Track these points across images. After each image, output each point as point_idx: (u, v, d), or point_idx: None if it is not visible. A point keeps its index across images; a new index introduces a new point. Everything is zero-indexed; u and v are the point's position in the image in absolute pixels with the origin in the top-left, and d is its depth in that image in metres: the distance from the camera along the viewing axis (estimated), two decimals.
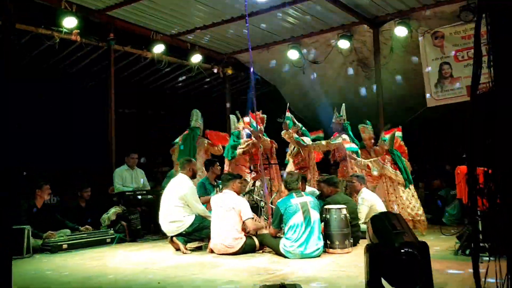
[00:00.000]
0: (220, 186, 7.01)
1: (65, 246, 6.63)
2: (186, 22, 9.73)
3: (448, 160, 10.00)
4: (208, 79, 12.59)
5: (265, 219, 6.88)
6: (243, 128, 8.11)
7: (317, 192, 7.13)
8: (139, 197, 8.18)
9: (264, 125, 7.99)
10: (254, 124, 7.47)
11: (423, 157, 11.34)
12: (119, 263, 5.74)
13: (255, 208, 7.01)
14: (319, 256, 5.53)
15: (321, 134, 8.30)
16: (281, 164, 8.64)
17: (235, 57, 11.86)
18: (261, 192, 7.42)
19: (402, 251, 3.34)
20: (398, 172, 7.37)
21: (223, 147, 8.43)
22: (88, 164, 10.41)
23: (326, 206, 6.00)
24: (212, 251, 6.02)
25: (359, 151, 8.04)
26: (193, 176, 6.75)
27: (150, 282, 4.59)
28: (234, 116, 8.44)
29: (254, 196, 7.34)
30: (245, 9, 7.20)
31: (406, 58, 10.09)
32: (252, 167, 8.03)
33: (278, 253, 5.68)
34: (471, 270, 2.54)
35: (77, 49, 9.67)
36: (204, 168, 7.90)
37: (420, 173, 10.71)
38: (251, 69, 7.18)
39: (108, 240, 7.20)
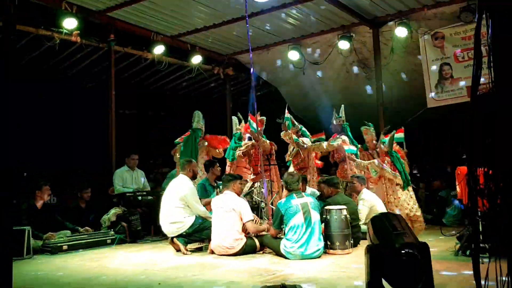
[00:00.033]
0: (220, 187, 7.02)
1: (65, 247, 6.63)
2: (187, 23, 9.73)
3: (448, 160, 10.01)
4: (209, 80, 12.60)
5: (265, 219, 6.88)
6: (244, 133, 8.11)
7: (318, 193, 7.14)
8: (139, 198, 8.18)
9: (264, 127, 7.98)
10: (254, 125, 7.48)
11: (423, 158, 11.34)
12: (119, 264, 5.73)
13: (255, 209, 7.00)
14: (319, 257, 5.53)
15: (322, 137, 8.29)
16: (283, 166, 8.64)
17: (235, 58, 11.86)
18: (261, 193, 7.41)
19: (403, 252, 3.34)
20: (397, 173, 7.39)
21: (224, 151, 8.43)
22: (88, 164, 10.42)
23: (327, 207, 6.00)
24: (212, 252, 6.02)
25: (363, 153, 8.03)
26: (193, 177, 6.75)
27: (151, 283, 4.59)
28: (236, 117, 8.44)
29: (254, 197, 7.33)
30: (245, 10, 7.20)
31: (406, 58, 10.10)
32: (251, 169, 8.03)
33: (278, 254, 5.67)
34: (471, 271, 2.53)
35: (78, 50, 9.68)
36: (204, 169, 7.91)
37: (420, 173, 10.72)
38: (252, 70, 7.18)
39: (109, 241, 7.20)
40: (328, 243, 5.77)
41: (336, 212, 5.85)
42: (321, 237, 5.66)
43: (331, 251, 5.75)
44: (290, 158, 8.18)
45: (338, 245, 5.74)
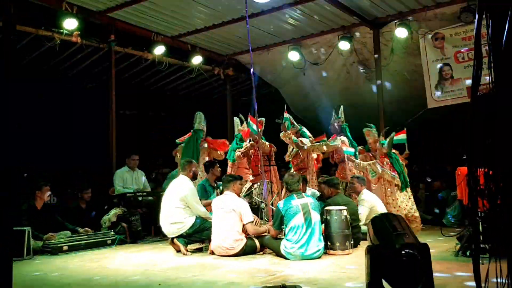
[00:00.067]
0: (220, 187, 7.02)
1: (65, 247, 6.62)
2: (187, 23, 9.74)
3: (448, 161, 10.00)
4: (209, 81, 12.60)
5: (265, 220, 6.88)
6: (246, 138, 8.10)
7: (318, 194, 7.14)
8: (140, 198, 8.18)
9: (263, 128, 7.98)
10: (254, 127, 7.47)
11: (423, 158, 11.34)
12: (119, 264, 5.73)
13: (256, 210, 7.00)
14: (319, 257, 5.53)
15: (324, 139, 8.29)
16: (283, 166, 8.64)
17: (235, 59, 11.87)
18: (261, 194, 7.41)
19: (403, 252, 3.34)
20: (396, 175, 7.41)
21: (225, 153, 8.44)
22: (88, 165, 10.43)
23: (327, 208, 6.00)
24: (212, 253, 6.02)
25: (365, 154, 8.03)
26: (193, 178, 6.75)
27: (151, 283, 4.59)
28: (237, 118, 8.44)
29: (254, 198, 7.33)
30: (246, 10, 7.20)
31: (407, 59, 10.10)
32: (251, 170, 8.04)
33: (278, 254, 5.67)
34: (471, 272, 2.53)
35: (78, 50, 9.68)
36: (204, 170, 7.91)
37: (420, 174, 10.72)
38: (252, 71, 7.17)
39: (109, 242, 7.19)
40: (328, 243, 5.77)
41: (336, 213, 5.85)
42: (322, 238, 5.65)
43: (331, 251, 5.75)
44: (290, 159, 8.18)
45: (338, 245, 5.74)
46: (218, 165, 7.80)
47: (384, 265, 3.41)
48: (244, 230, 5.99)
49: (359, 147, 8.17)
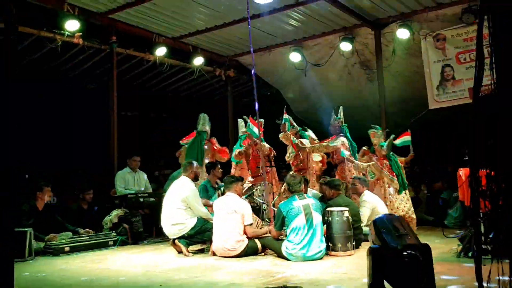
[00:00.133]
0: (222, 188, 7.02)
1: (67, 248, 6.63)
2: (188, 24, 9.75)
3: (450, 162, 9.99)
4: (210, 82, 12.61)
5: (267, 221, 6.88)
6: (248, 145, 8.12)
7: (320, 195, 7.13)
8: (141, 199, 8.19)
9: (263, 129, 7.97)
10: (255, 130, 7.47)
11: (424, 159, 11.33)
12: (121, 265, 5.73)
13: (257, 211, 7.01)
14: (321, 258, 5.52)
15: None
16: (284, 167, 8.64)
17: (237, 60, 11.88)
18: (263, 194, 7.41)
19: (405, 253, 3.34)
20: (394, 177, 7.42)
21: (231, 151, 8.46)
22: (88, 165, 10.44)
23: (328, 209, 5.99)
24: (214, 254, 6.02)
25: (370, 155, 8.02)
26: (195, 179, 6.75)
27: (152, 284, 4.59)
28: (241, 120, 8.44)
29: (256, 198, 7.34)
30: (247, 11, 7.20)
31: (408, 60, 10.10)
32: (249, 171, 8.05)
33: (280, 255, 5.66)
34: (473, 273, 2.53)
35: (80, 51, 9.69)
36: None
37: (422, 175, 10.71)
38: (253, 72, 7.16)
39: (110, 243, 7.20)
40: (330, 244, 5.76)
41: (338, 214, 5.85)
42: (323, 239, 5.65)
43: (332, 252, 5.74)
44: (289, 160, 8.15)
45: (340, 246, 5.74)
46: (219, 166, 7.80)
47: (386, 266, 3.41)
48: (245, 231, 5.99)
49: (364, 148, 8.15)
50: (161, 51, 10.04)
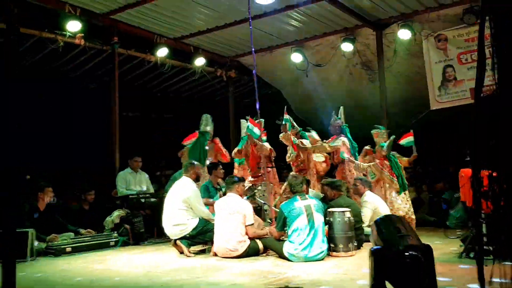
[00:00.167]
0: (223, 189, 7.02)
1: (68, 249, 6.64)
2: (190, 25, 9.75)
3: (451, 162, 9.98)
4: (212, 83, 12.61)
5: (268, 222, 6.87)
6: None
7: (321, 195, 7.12)
8: (143, 200, 8.20)
9: (263, 129, 7.96)
10: (255, 130, 7.47)
11: (426, 160, 11.31)
12: (122, 266, 5.74)
13: (258, 211, 7.00)
14: (323, 259, 5.52)
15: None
16: (285, 168, 8.63)
17: (238, 60, 11.88)
18: (264, 195, 7.41)
19: (407, 254, 3.33)
20: (394, 178, 7.42)
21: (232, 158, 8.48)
22: (88, 165, 10.44)
23: (330, 209, 5.99)
24: (215, 254, 6.02)
25: (373, 156, 8.01)
26: (196, 179, 6.75)
27: (154, 285, 4.59)
28: (244, 120, 8.44)
29: (257, 199, 7.34)
30: (249, 12, 7.20)
31: (410, 61, 10.09)
32: (249, 171, 8.06)
33: (281, 256, 5.66)
34: (475, 274, 2.52)
35: (81, 52, 9.70)
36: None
37: (423, 176, 10.69)
38: (254, 72, 7.17)
39: (112, 243, 7.21)
40: (332, 245, 5.76)
41: (340, 215, 5.84)
42: (325, 239, 5.64)
43: (334, 253, 5.74)
44: (290, 160, 8.13)
45: (342, 247, 5.73)
46: (221, 167, 7.80)
47: (387, 267, 3.40)
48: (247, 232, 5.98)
49: (366, 147, 8.15)
50: (162, 52, 10.05)
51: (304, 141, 7.95)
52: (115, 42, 9.31)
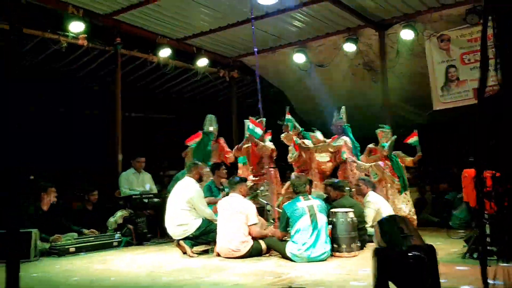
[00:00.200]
0: (226, 190, 7.03)
1: (72, 249, 6.66)
2: (192, 26, 9.76)
3: (454, 163, 9.97)
4: (214, 83, 12.61)
5: (271, 222, 6.87)
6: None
7: (324, 195, 7.13)
8: (146, 200, 8.21)
9: (265, 128, 7.97)
10: (256, 130, 7.47)
11: (427, 160, 11.30)
12: (125, 266, 5.75)
13: (261, 212, 7.01)
14: (326, 259, 5.52)
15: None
16: (288, 168, 8.63)
17: (241, 61, 11.88)
18: (267, 195, 7.41)
19: (410, 254, 3.33)
20: (395, 178, 7.42)
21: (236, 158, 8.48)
22: (89, 165, 10.45)
23: (333, 210, 5.99)
24: (218, 255, 6.02)
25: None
26: (199, 180, 6.76)
27: (157, 285, 4.60)
28: (248, 121, 8.44)
29: (260, 199, 7.34)
30: (251, 12, 7.21)
31: (412, 61, 10.07)
32: (250, 170, 8.07)
33: (284, 256, 5.66)
34: (479, 274, 2.52)
35: (84, 53, 9.72)
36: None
37: (427, 176, 10.67)
38: (257, 73, 7.18)
39: (115, 244, 7.22)
40: (335, 245, 5.75)
41: (343, 215, 5.84)
42: (328, 240, 5.64)
43: (337, 253, 5.73)
44: (292, 161, 8.13)
45: (345, 247, 5.73)
46: (223, 167, 7.81)
47: (390, 267, 3.40)
48: (250, 232, 5.98)
49: (370, 145, 8.14)
50: (165, 53, 10.06)
51: (306, 141, 7.96)
52: (117, 42, 9.32)
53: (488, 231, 3.92)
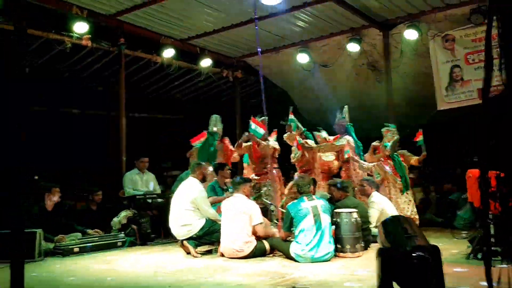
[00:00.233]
0: (229, 190, 7.03)
1: (76, 249, 6.67)
2: (196, 26, 9.76)
3: (458, 163, 9.93)
4: (218, 83, 12.61)
5: (275, 222, 6.87)
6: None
7: (328, 196, 7.12)
8: (150, 200, 8.22)
9: (267, 127, 7.97)
10: (258, 130, 7.47)
11: (431, 161, 11.27)
12: (129, 266, 5.76)
13: (265, 212, 7.00)
14: (329, 260, 5.52)
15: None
16: (292, 168, 8.63)
17: (244, 61, 11.87)
18: (270, 195, 7.41)
19: (414, 255, 3.32)
20: (397, 178, 7.41)
21: (241, 156, 8.47)
22: (89, 165, 10.47)
23: (337, 210, 5.98)
24: (222, 255, 6.03)
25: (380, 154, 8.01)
26: (203, 180, 6.76)
27: (160, 285, 4.61)
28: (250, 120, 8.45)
29: (263, 200, 7.34)
30: (255, 12, 7.20)
31: (417, 61, 10.04)
32: (252, 169, 8.07)
33: (288, 257, 5.66)
34: (483, 274, 2.51)
35: (88, 54, 9.74)
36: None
37: (431, 176, 10.65)
38: (260, 73, 7.16)
39: (119, 244, 7.23)
40: (339, 246, 5.75)
41: (347, 215, 5.83)
42: (332, 240, 5.64)
43: (341, 254, 5.73)
44: (295, 161, 8.11)
45: (349, 248, 5.73)
46: (227, 167, 7.81)
47: (395, 268, 3.40)
48: (254, 232, 5.98)
49: (374, 143, 8.13)
50: (168, 53, 10.06)
51: (308, 141, 7.96)
52: (121, 43, 9.33)
53: (492, 232, 3.91)
